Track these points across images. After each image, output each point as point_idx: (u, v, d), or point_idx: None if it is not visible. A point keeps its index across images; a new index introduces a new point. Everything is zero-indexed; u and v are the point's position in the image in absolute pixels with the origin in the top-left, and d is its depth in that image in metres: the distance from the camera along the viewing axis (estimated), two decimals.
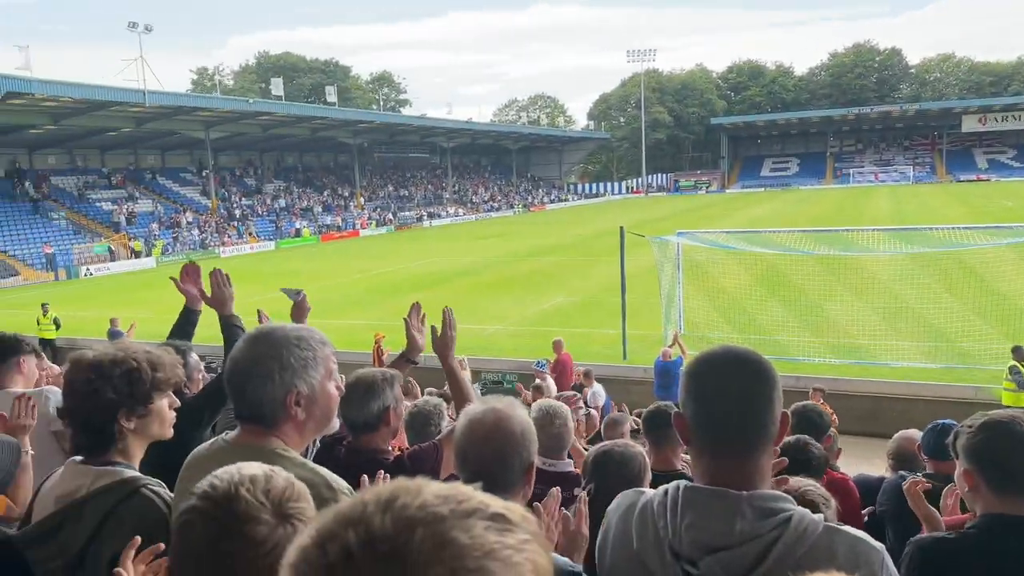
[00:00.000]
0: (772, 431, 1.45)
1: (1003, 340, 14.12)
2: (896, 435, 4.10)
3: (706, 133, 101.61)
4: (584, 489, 2.50)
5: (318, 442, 2.49)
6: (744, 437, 1.43)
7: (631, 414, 6.37)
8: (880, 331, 15.59)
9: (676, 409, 1.54)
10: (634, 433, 4.67)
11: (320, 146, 69.20)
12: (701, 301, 17.65)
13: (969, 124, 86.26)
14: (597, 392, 10.88)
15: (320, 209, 59.94)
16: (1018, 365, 10.83)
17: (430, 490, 0.68)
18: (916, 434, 3.95)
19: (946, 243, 17.60)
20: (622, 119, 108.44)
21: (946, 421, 3.43)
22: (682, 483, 1.48)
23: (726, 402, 1.44)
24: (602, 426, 5.19)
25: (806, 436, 3.32)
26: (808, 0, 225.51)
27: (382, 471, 2.20)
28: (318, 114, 58.30)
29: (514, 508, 0.69)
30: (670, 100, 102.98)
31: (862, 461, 7.96)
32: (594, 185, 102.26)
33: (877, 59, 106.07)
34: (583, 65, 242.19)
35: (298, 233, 52.38)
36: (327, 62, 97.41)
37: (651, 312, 16.58)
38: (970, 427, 1.99)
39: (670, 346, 12.36)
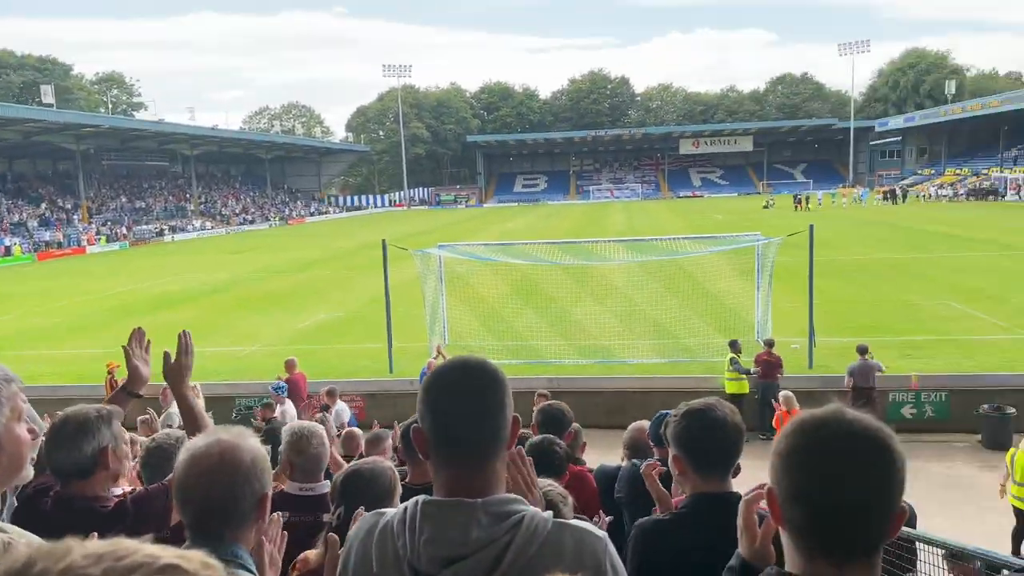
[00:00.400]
0: (504, 436, 1.49)
1: (716, 335, 16.32)
2: (630, 427, 4.49)
3: (463, 150, 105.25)
4: (333, 514, 2.41)
5: (12, 495, 2.13)
6: (476, 446, 1.46)
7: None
8: (619, 332, 17.17)
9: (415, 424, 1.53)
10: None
11: (35, 152, 60.33)
12: (463, 312, 18.14)
13: (685, 147, 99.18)
14: (341, 410, 10.74)
15: (36, 224, 52.18)
16: (736, 357, 12.60)
17: (81, 551, 0.60)
18: (646, 424, 4.38)
19: (669, 252, 19.89)
20: (381, 133, 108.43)
21: (666, 411, 3.85)
22: (421, 498, 1.47)
23: (456, 413, 1.45)
24: (364, 443, 5.09)
25: (551, 436, 3.52)
26: (549, 28, 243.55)
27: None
28: (31, 116, 50.74)
29: (192, 556, 0.63)
30: (428, 116, 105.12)
31: (610, 452, 8.65)
32: (356, 198, 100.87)
33: (609, 86, 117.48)
34: (339, 76, 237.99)
35: (8, 251, 45.15)
36: (42, 58, 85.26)
37: (416, 324, 16.69)
38: (675, 416, 2.24)
39: (434, 358, 12.54)
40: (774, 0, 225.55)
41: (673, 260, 19.72)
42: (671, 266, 19.98)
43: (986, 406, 11.59)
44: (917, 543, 5.44)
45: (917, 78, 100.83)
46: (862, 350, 11.91)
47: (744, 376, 12.51)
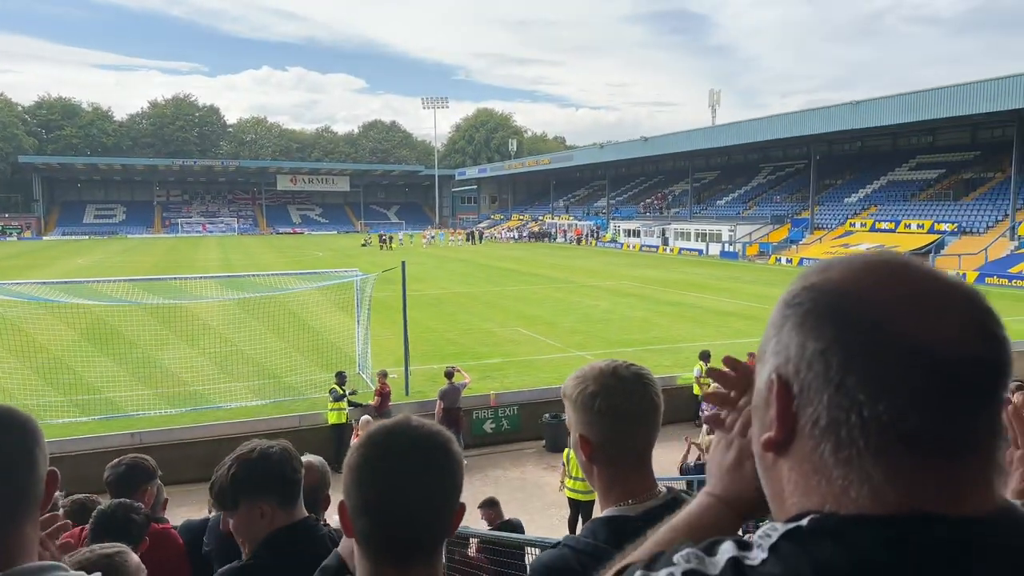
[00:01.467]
0: (36, 493, 1.26)
1: (319, 370, 16.33)
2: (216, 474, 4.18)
3: (14, 172, 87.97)
4: None
5: None
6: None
7: None
8: (214, 376, 16.04)
9: None
10: None
11: None
12: (15, 364, 15.03)
13: (283, 183, 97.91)
14: None
15: None
16: (336, 388, 12.80)
17: None
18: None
19: (269, 288, 19.33)
20: None
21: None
22: None
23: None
24: None
25: (125, 500, 3.08)
26: (123, 46, 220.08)
27: None
28: None
29: None
30: None
31: (205, 505, 7.95)
32: None
33: (197, 114, 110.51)
34: None
35: None
36: None
37: None
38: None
39: None
40: (361, 49, 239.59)
41: (272, 297, 19.20)
42: (270, 303, 19.43)
43: (547, 415, 13.63)
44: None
45: (488, 135, 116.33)
46: (449, 374, 13.05)
47: (346, 406, 12.76)
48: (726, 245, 52.54)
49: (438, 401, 12.72)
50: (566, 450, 10.08)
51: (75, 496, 3.89)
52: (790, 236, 50.36)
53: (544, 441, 13.66)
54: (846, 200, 51.73)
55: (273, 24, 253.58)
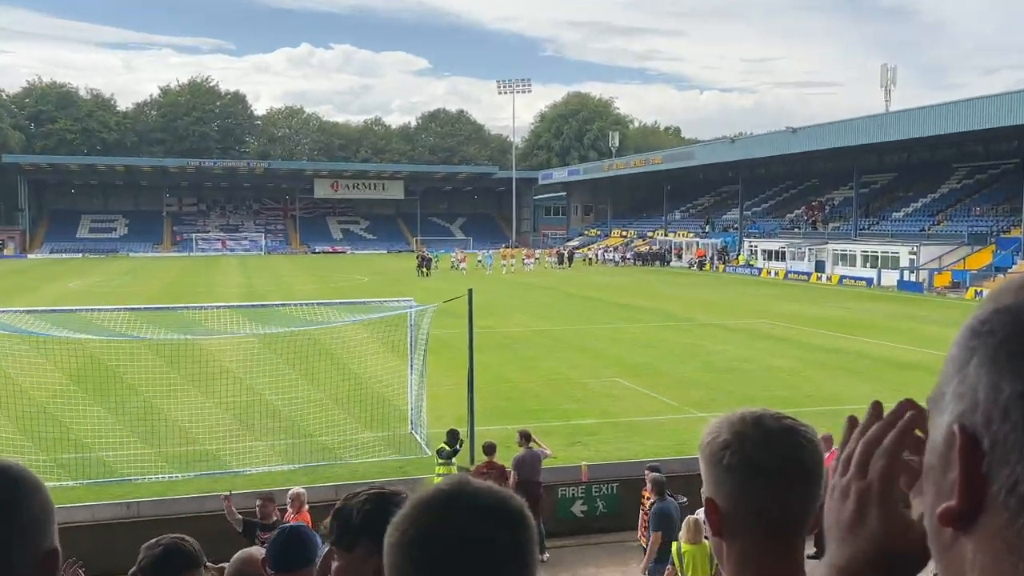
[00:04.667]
0: (18, 571, 1.37)
1: (363, 428, 16.67)
2: (233, 559, 4.34)
3: None
4: None
5: None
6: None
7: None
8: (232, 432, 16.59)
9: None
10: None
11: None
12: None
13: (322, 189, 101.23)
14: None
15: None
16: (445, 447, 13.32)
17: None
18: (255, 554, 4.28)
19: (302, 322, 19.93)
20: None
21: (298, 524, 3.81)
22: None
23: None
24: None
25: None
26: (129, 18, 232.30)
27: None
28: None
29: None
30: None
31: None
32: None
33: (219, 103, 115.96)
34: None
35: None
36: None
37: None
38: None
39: None
40: (423, 20, 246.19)
41: (305, 332, 19.79)
42: (303, 341, 20.02)
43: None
44: None
45: (581, 127, 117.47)
46: (525, 436, 13.09)
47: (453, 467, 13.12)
48: (905, 273, 51.05)
49: (512, 472, 12.78)
50: (674, 544, 9.93)
51: None
52: (995, 261, 48.46)
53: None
54: None
55: None
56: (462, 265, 65.50)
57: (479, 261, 69.35)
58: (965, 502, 0.73)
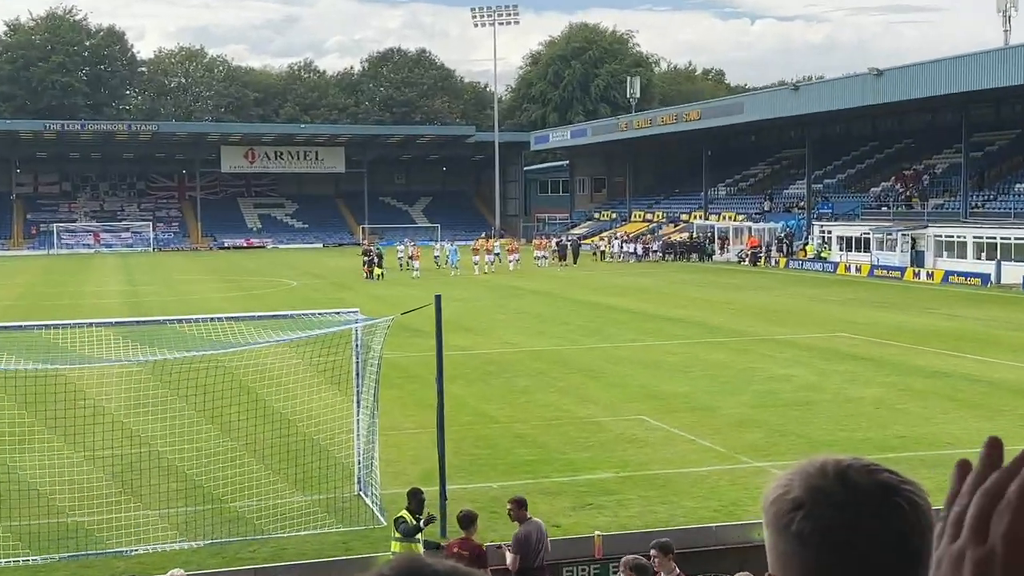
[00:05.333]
0: None
1: (292, 490, 16.58)
2: None
3: None
4: None
5: None
6: None
7: None
8: (111, 499, 16.47)
9: None
10: None
11: None
12: None
13: (232, 159, 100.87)
14: None
15: None
16: (406, 517, 13.11)
17: None
18: None
19: (205, 343, 19.79)
20: None
21: None
22: None
23: None
24: None
25: None
26: None
27: None
28: None
29: None
30: None
31: None
32: None
33: (88, 43, 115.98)
34: None
35: None
36: None
37: None
38: None
39: None
40: None
41: (213, 358, 19.69)
42: (208, 369, 19.92)
43: None
44: None
45: (587, 70, 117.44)
46: (519, 503, 12.98)
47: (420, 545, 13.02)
48: None
49: (511, 556, 12.65)
50: None
51: None
52: None
53: None
54: None
55: None
56: (415, 264, 63.02)
57: (436, 257, 68.48)
58: None
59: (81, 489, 16.75)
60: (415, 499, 13.50)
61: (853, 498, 1.56)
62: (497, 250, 70.50)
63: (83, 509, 16.11)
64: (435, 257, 68.55)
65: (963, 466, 1.05)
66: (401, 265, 65.28)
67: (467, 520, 12.72)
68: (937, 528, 1.07)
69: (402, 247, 68.90)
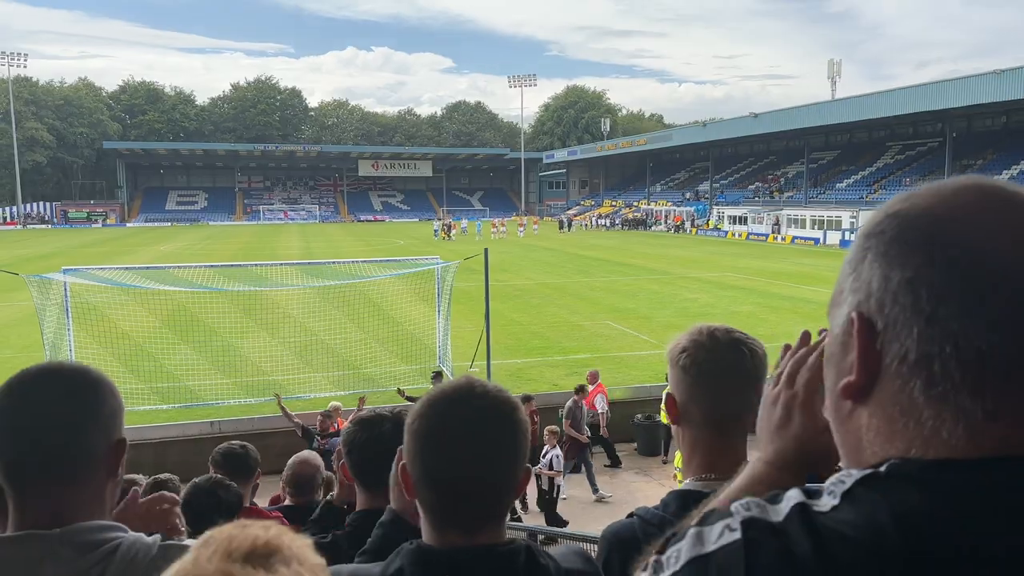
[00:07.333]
0: (101, 456, 1.39)
1: (399, 362, 16.79)
2: (290, 461, 4.40)
3: (99, 158, 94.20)
4: None
5: None
6: (61, 466, 1.36)
7: None
8: (294, 365, 16.74)
9: None
10: None
11: None
12: (98, 351, 16.10)
13: (364, 168, 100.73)
14: None
15: None
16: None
17: None
18: (309, 456, 4.36)
19: (349, 276, 19.97)
20: None
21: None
22: None
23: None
24: None
25: (219, 476, 3.37)
26: (207, 27, 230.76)
27: None
28: None
29: None
30: (50, 116, 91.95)
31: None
32: None
33: (279, 97, 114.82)
34: None
35: None
36: None
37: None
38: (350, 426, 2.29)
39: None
40: (449, 26, 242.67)
41: (352, 285, 19.83)
42: (350, 291, 20.08)
43: (639, 416, 13.53)
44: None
45: (577, 115, 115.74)
46: (579, 389, 12.18)
47: None
48: (847, 233, 50.54)
49: (564, 421, 11.58)
50: (678, 454, 9.94)
51: (157, 476, 4.18)
52: None
53: (636, 444, 13.57)
54: None
55: (358, 1, 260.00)
56: (452, 232, 58.36)
57: (464, 228, 64.73)
58: (863, 375, 0.72)
59: (276, 359, 17.04)
60: (437, 379, 13.19)
61: (715, 345, 1.59)
62: (476, 225, 65.48)
63: (278, 372, 16.39)
64: (463, 229, 64.07)
65: (786, 347, 1.06)
66: (436, 233, 59.88)
67: (523, 400, 12.44)
68: (767, 383, 1.08)
69: (437, 222, 64.29)
